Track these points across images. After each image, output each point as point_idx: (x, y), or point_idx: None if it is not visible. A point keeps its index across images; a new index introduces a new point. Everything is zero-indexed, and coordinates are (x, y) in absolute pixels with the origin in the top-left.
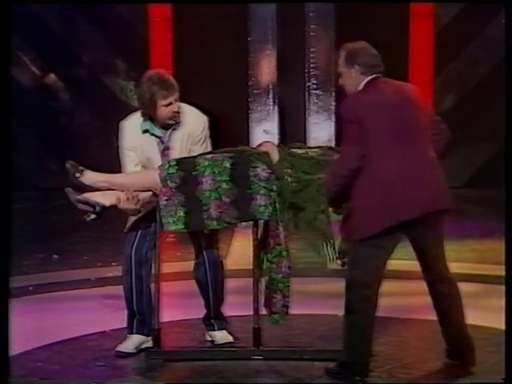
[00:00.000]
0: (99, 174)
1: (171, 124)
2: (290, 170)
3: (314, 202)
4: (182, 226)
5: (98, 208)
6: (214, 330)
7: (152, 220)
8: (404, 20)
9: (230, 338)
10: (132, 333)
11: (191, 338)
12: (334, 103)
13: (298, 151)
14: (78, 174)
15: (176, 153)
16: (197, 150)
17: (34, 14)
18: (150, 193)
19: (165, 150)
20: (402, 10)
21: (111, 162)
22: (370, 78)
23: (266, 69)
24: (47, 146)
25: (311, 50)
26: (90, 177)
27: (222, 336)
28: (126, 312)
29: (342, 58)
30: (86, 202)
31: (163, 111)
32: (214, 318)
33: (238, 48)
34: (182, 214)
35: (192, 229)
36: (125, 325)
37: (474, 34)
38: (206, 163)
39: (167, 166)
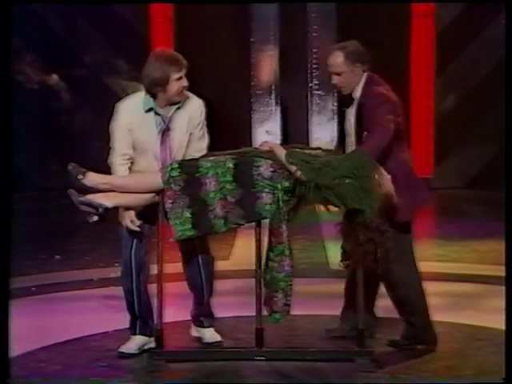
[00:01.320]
0: (101, 176)
1: (176, 103)
2: (301, 161)
3: (345, 174)
4: (190, 226)
5: (100, 209)
6: (204, 327)
7: (149, 222)
8: (405, 20)
9: (219, 337)
10: (135, 333)
11: (194, 339)
12: (336, 103)
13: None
14: (80, 176)
15: (177, 134)
16: (197, 134)
17: (36, 15)
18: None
19: (165, 131)
20: (404, 10)
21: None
22: (367, 74)
23: (269, 69)
24: (49, 146)
25: (313, 50)
26: (92, 179)
27: (211, 335)
28: (127, 313)
29: (342, 57)
30: (89, 204)
31: (174, 86)
32: (204, 315)
33: (240, 49)
34: (188, 215)
35: (201, 231)
36: (127, 325)
37: (476, 34)
38: (209, 164)
39: (169, 169)
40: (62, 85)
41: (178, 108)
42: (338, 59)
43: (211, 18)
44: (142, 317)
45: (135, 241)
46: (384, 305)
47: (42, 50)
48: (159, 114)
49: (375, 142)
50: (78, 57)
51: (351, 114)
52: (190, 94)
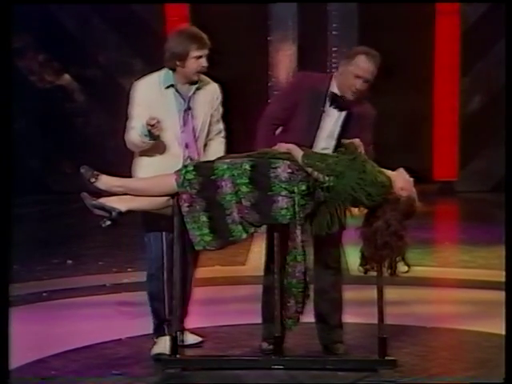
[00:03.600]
0: (115, 179)
1: (194, 82)
2: (318, 162)
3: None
4: (207, 231)
5: (114, 214)
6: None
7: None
8: (429, 18)
9: (200, 338)
10: (163, 335)
11: (210, 347)
12: None
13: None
14: (93, 179)
15: (199, 114)
16: (216, 116)
17: (50, 14)
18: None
19: (186, 110)
20: (428, 8)
21: (127, 165)
22: None
23: (287, 69)
24: (62, 148)
25: (333, 49)
26: (105, 181)
27: (192, 337)
28: (151, 316)
29: (375, 67)
30: (102, 208)
31: (193, 63)
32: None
33: (257, 48)
34: (205, 219)
35: (219, 236)
36: (141, 332)
37: (502, 33)
38: (225, 166)
39: (184, 171)
40: (76, 85)
41: (198, 88)
42: (370, 67)
43: (228, 16)
44: (169, 320)
45: (165, 241)
46: (398, 313)
47: (56, 50)
48: (179, 93)
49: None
50: (93, 57)
51: (333, 116)
52: (207, 78)
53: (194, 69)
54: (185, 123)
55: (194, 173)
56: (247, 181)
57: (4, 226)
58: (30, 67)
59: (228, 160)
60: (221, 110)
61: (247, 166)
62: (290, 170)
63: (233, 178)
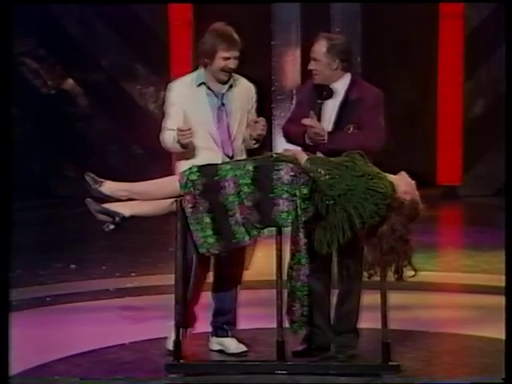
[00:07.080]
0: (119, 184)
1: (225, 80)
2: (320, 168)
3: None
4: (211, 232)
5: (117, 218)
6: (227, 337)
7: None
8: (433, 22)
9: (244, 347)
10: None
11: (215, 353)
12: None
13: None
14: (97, 186)
15: (233, 110)
16: (253, 114)
17: (52, 18)
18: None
19: (220, 107)
20: (431, 11)
21: (130, 169)
22: (351, 74)
23: (290, 73)
24: (65, 152)
25: None
26: (109, 187)
27: (236, 345)
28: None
29: (324, 47)
30: (106, 213)
31: (219, 63)
32: (229, 323)
33: (260, 52)
34: (208, 220)
35: (222, 238)
36: (144, 337)
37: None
38: (228, 167)
39: (188, 173)
40: (79, 89)
41: (232, 86)
42: (319, 47)
43: (231, 20)
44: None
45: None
46: (401, 317)
47: (59, 54)
48: (211, 90)
49: (375, 142)
50: (96, 61)
51: (330, 106)
52: (241, 77)
53: (219, 68)
54: (219, 120)
55: (197, 174)
56: (249, 181)
57: (4, 230)
58: (34, 71)
59: (232, 162)
60: (255, 107)
61: (250, 167)
62: (292, 173)
63: (235, 179)
